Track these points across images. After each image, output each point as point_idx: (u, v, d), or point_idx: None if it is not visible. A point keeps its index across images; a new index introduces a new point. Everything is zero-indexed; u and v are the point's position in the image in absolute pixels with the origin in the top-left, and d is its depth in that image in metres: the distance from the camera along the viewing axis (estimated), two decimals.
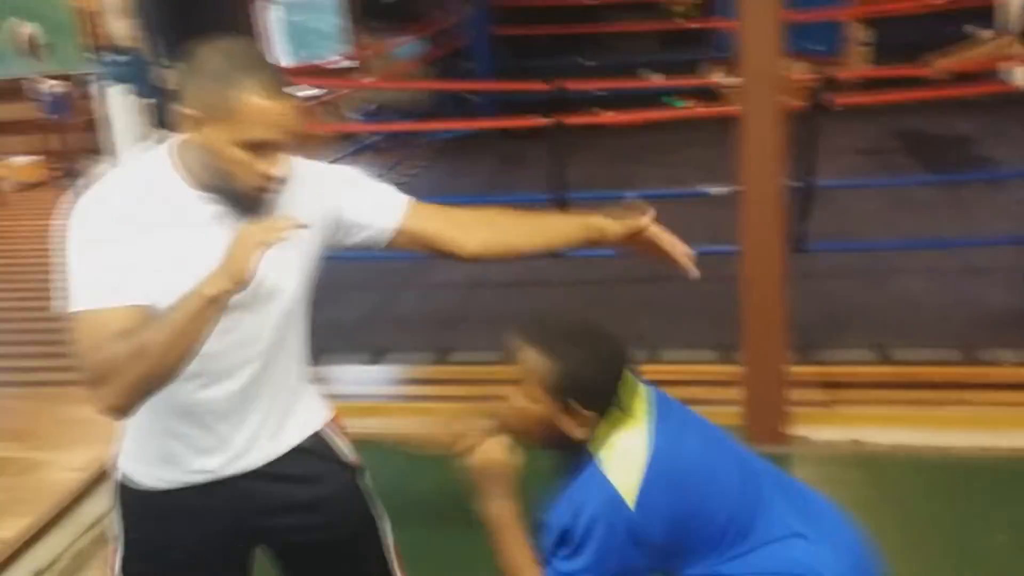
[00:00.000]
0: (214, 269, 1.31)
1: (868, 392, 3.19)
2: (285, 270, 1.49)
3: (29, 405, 3.69)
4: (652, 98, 6.68)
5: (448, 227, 1.62)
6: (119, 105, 3.61)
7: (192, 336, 1.31)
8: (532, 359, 1.44)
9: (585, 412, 1.43)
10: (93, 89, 7.27)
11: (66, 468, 3.12)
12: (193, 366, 1.36)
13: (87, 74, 7.26)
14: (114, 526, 1.61)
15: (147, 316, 1.35)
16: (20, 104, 7.32)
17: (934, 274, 4.09)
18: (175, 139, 1.44)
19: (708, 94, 6.35)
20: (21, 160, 7.51)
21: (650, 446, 1.43)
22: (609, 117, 5.97)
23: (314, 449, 1.62)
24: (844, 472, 2.85)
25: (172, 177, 1.42)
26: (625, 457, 1.42)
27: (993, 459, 2.83)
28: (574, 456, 1.46)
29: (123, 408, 1.35)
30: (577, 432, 1.44)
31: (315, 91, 6.97)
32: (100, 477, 3.13)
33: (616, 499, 1.37)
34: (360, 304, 4.28)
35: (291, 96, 1.42)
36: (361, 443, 3.00)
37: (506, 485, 1.48)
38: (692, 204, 4.90)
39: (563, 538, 1.39)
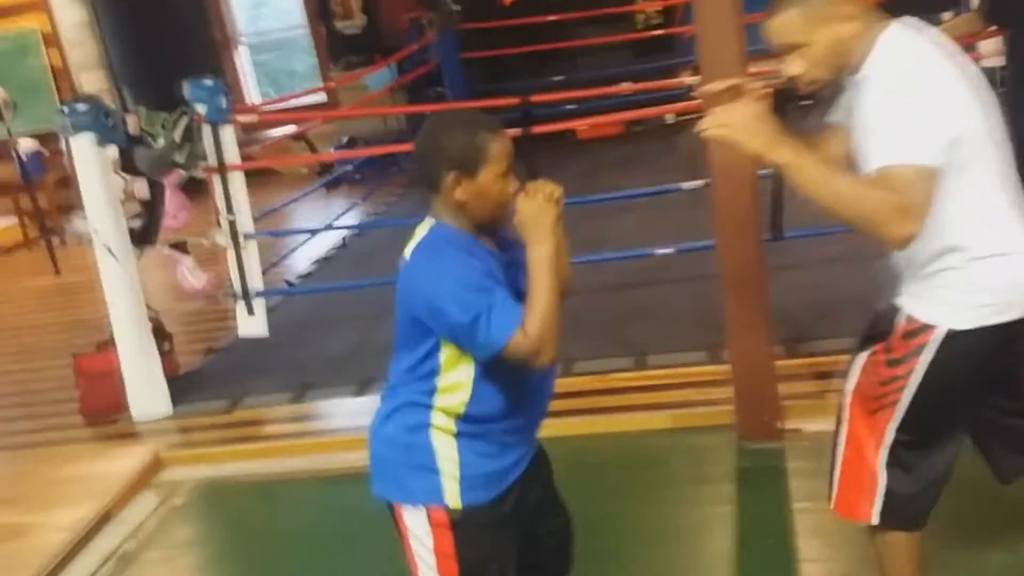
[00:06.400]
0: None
1: None
2: None
3: (14, 469, 3.64)
4: (628, 108, 6.64)
5: None
6: (82, 154, 3.57)
7: None
8: None
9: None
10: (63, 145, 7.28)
11: (54, 529, 3.06)
12: None
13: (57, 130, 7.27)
14: None
15: None
16: None
17: None
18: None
19: (684, 97, 6.32)
20: None
21: None
22: (577, 123, 5.94)
23: None
24: None
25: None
26: None
27: None
28: None
29: None
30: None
31: (287, 128, 6.98)
32: (88, 535, 3.08)
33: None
34: (345, 338, 4.24)
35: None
36: (350, 477, 2.92)
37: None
38: (676, 205, 4.87)
39: None
